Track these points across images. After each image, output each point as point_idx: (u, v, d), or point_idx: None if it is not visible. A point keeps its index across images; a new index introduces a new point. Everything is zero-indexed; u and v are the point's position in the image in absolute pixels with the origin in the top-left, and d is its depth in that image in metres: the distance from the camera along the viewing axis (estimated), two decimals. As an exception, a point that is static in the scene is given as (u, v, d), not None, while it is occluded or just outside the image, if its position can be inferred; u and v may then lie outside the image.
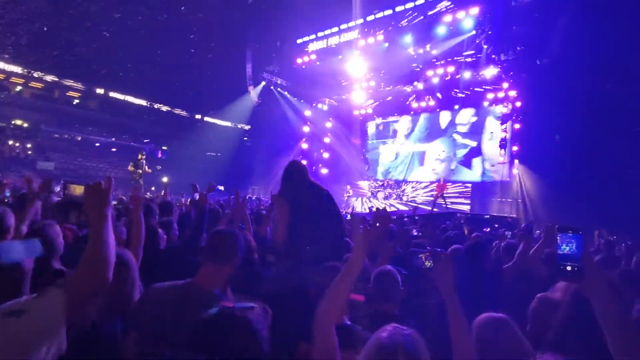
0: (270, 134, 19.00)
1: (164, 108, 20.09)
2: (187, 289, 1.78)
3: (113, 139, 21.50)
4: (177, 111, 20.46)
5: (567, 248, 1.18)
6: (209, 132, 20.59)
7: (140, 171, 11.94)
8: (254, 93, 19.36)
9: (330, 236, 3.01)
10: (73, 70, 19.36)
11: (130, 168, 11.98)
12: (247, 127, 21.31)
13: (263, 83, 19.17)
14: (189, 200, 7.07)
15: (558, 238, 1.20)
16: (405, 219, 6.75)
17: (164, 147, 17.41)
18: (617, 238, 7.20)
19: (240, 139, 21.15)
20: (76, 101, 21.85)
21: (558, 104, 11.71)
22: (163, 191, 6.79)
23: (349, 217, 8.48)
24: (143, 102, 19.91)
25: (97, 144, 21.69)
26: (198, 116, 20.80)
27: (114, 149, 21.59)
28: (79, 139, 21.33)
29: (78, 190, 2.56)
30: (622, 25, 10.08)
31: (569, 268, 1.17)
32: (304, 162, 3.46)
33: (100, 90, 21.19)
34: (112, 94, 21.15)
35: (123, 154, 20.77)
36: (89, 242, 1.32)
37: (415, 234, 4.36)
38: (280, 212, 3.10)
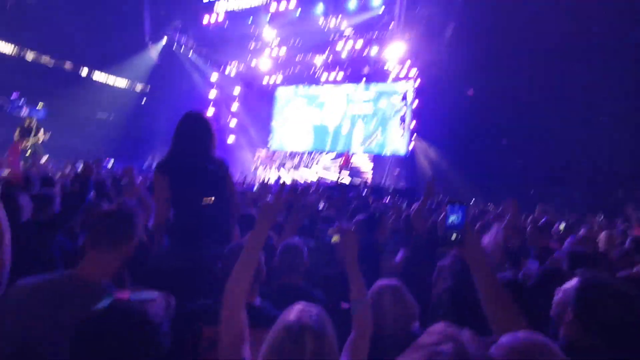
0: (172, 97, 17.50)
1: (39, 57, 16.86)
2: (67, 283, 1.47)
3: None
4: (54, 62, 17.21)
5: (454, 218, 1.30)
6: (99, 91, 18.00)
7: (30, 142, 9.43)
8: (154, 50, 17.50)
9: (225, 212, 2.64)
10: None
11: (16, 138, 9.28)
12: (145, 88, 19.28)
13: (165, 39, 17.43)
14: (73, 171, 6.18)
15: (447, 209, 1.32)
16: (311, 191, 6.89)
17: (41, 103, 14.81)
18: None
19: (138, 101, 19.09)
20: None
21: (454, 82, 12.97)
22: (30, 160, 5.55)
23: (255, 188, 8.39)
24: (8, 48, 16.43)
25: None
26: (85, 70, 17.96)
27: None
28: None
29: None
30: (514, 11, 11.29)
31: (453, 237, 1.29)
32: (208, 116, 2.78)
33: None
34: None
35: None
36: None
37: (322, 206, 4.46)
38: (157, 187, 2.54)
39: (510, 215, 3.28)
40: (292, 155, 18.31)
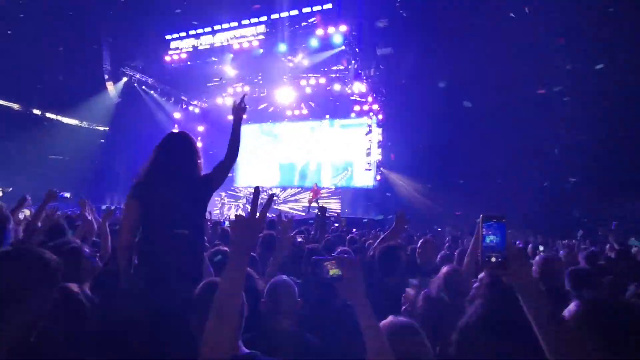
0: (134, 136, 16.96)
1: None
2: None
3: None
4: (6, 103, 16.40)
5: (492, 238, 1.11)
6: (54, 132, 17.14)
7: None
8: (113, 90, 17.05)
9: (200, 245, 2.38)
10: None
11: None
12: (103, 128, 18.62)
13: (125, 79, 17.07)
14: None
15: (483, 227, 1.12)
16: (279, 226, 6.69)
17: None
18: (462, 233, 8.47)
19: (97, 141, 18.34)
20: None
21: (414, 115, 13.56)
22: None
23: (226, 224, 8.08)
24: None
25: None
26: (37, 111, 17.16)
27: None
28: None
29: None
30: (463, 51, 12.14)
31: (493, 259, 1.10)
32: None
33: None
34: None
35: None
36: None
37: (300, 240, 4.32)
38: (125, 211, 2.30)
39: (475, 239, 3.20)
40: (260, 191, 18.04)
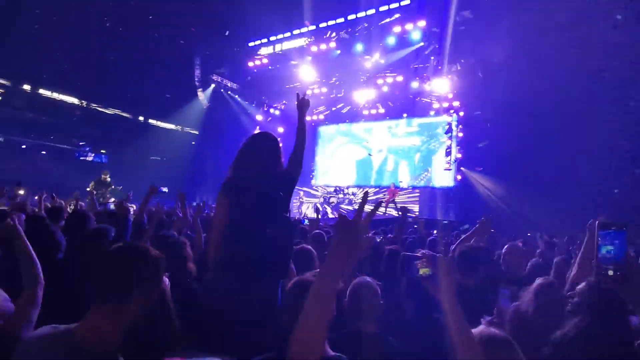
0: (221, 139, 18.39)
1: (102, 109, 18.57)
2: (61, 346, 1.14)
3: (42, 140, 19.61)
4: (117, 112, 19.01)
5: (609, 248, 1.00)
6: (155, 136, 19.40)
7: (100, 192, 9.96)
8: (203, 96, 18.63)
9: (287, 245, 2.37)
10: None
11: (90, 188, 9.71)
12: (195, 131, 20.49)
13: (213, 86, 18.52)
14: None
15: (599, 237, 1.02)
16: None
17: (103, 151, 16.09)
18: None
19: (189, 144, 20.28)
20: (-1, 98, 19.65)
21: (498, 112, 12.63)
22: (72, 202, 5.88)
23: (306, 222, 8.35)
24: (76, 101, 18.23)
25: (23, 146, 19.63)
26: (141, 118, 19.50)
27: (43, 152, 19.67)
28: (2, 140, 19.18)
29: None
30: (557, 41, 11.02)
31: (610, 272, 0.99)
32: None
33: (27, 87, 19.18)
34: (41, 91, 19.25)
35: (53, 156, 18.99)
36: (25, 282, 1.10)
37: (379, 240, 4.32)
38: (217, 212, 2.33)
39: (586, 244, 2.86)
40: (337, 191, 18.30)
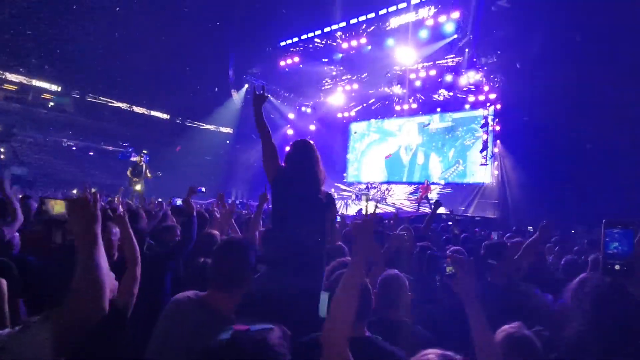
0: (254, 137, 18.85)
1: (144, 111, 19.63)
2: (202, 309, 1.65)
3: (90, 142, 20.90)
4: (158, 114, 20.06)
5: (616, 245, 1.07)
6: (192, 136, 20.30)
7: (137, 179, 10.96)
8: (237, 96, 19.14)
9: (323, 242, 2.48)
10: (49, 71, 18.78)
11: (128, 174, 11.19)
12: (230, 131, 21.12)
13: (246, 86, 18.97)
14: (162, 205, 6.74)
15: (606, 233, 1.09)
16: (387, 222, 6.63)
17: (145, 151, 16.95)
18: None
19: (224, 142, 20.96)
20: (51, 104, 21.10)
21: (536, 105, 12.08)
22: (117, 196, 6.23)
23: (338, 218, 8.41)
24: (122, 105, 19.41)
25: (73, 148, 20.99)
26: (179, 120, 20.42)
27: (91, 153, 20.95)
28: (54, 142, 20.59)
29: (57, 207, 2.16)
30: (598, 29, 10.42)
31: (617, 267, 1.07)
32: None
33: (76, 94, 20.53)
34: (89, 97, 20.53)
35: (101, 158, 20.20)
36: (79, 267, 1.18)
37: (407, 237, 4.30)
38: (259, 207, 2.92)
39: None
40: (368, 187, 18.25)
